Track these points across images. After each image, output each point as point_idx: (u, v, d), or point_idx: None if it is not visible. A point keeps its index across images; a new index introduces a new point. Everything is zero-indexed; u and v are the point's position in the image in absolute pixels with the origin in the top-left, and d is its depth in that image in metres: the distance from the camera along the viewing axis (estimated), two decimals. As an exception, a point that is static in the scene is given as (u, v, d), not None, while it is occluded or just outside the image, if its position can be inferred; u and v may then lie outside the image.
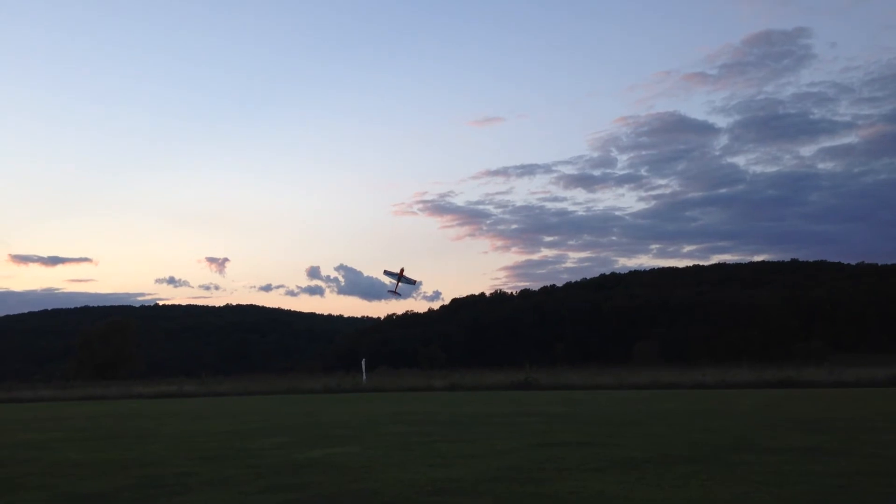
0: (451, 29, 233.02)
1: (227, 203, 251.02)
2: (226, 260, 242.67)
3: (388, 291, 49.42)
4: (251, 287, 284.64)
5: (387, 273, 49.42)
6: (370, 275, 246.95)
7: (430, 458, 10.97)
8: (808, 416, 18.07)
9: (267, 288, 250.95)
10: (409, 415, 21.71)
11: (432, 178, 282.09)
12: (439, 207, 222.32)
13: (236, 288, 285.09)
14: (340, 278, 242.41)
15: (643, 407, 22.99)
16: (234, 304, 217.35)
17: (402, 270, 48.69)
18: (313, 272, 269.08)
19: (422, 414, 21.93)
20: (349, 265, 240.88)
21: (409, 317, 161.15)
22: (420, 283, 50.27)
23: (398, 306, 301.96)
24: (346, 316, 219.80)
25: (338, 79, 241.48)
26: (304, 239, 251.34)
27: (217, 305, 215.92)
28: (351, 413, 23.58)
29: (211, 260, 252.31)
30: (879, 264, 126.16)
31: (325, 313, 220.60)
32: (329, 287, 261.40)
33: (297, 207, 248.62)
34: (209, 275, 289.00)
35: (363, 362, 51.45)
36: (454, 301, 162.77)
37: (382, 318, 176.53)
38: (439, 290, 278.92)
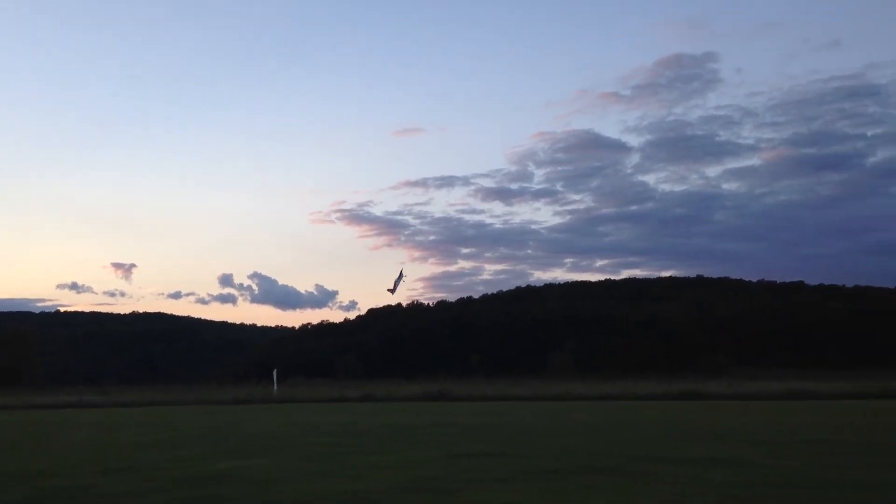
0: (373, 38, 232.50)
1: (136, 206, 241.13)
2: (133, 266, 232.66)
3: (388, 290, 49.22)
4: (159, 294, 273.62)
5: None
6: (285, 283, 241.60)
7: (341, 470, 10.84)
8: (710, 427, 18.72)
9: (176, 295, 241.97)
10: (322, 426, 21.47)
11: (351, 188, 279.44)
12: (357, 217, 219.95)
13: (143, 295, 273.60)
14: (254, 286, 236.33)
15: (555, 419, 23.38)
16: (142, 311, 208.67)
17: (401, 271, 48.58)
18: (225, 280, 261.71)
19: (335, 425, 21.71)
20: (263, 273, 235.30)
21: (325, 326, 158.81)
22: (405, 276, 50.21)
23: (313, 316, 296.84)
24: (259, 325, 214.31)
25: (256, 83, 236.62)
26: (217, 245, 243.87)
27: (123, 313, 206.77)
28: (262, 424, 23.13)
29: (117, 265, 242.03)
30: (778, 282, 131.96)
31: (238, 322, 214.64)
32: (242, 295, 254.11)
33: (210, 213, 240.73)
34: (115, 281, 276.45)
35: (275, 373, 50.61)
36: (371, 311, 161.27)
37: (297, 327, 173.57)
38: (356, 300, 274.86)
